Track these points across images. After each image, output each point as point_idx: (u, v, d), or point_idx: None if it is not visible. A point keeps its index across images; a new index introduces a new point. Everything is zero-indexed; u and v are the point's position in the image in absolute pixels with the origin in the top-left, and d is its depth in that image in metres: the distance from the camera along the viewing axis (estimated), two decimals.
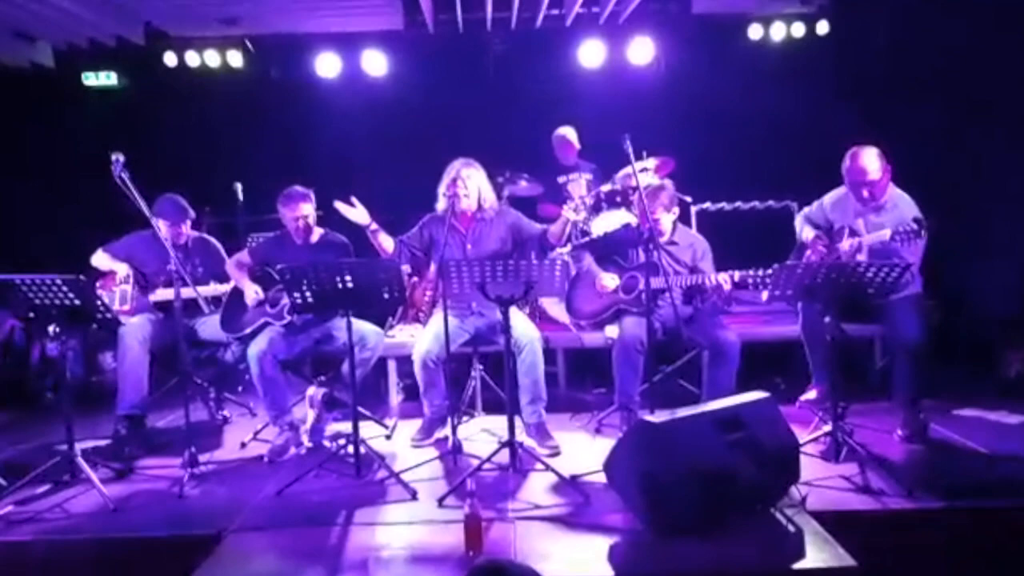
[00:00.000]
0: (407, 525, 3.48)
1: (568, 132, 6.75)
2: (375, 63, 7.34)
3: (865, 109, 6.50)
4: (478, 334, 4.70)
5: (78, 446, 4.05)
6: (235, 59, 7.46)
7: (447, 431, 4.42)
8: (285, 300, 4.43)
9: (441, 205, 4.57)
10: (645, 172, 5.87)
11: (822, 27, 7.26)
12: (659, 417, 3.37)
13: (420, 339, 4.56)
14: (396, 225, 4.88)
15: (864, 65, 6.95)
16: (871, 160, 4.28)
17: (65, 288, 3.82)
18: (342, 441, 4.16)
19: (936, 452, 4.19)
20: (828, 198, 4.65)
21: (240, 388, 5.58)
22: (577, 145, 6.74)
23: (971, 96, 5.92)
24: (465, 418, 4.93)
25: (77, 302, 3.87)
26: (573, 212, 4.32)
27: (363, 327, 4.59)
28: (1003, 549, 3.38)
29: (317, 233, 4.80)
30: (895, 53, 6.72)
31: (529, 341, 4.39)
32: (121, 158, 3.93)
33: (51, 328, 3.97)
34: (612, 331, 4.72)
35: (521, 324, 4.49)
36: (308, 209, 4.68)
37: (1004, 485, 3.71)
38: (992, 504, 3.52)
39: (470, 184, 4.51)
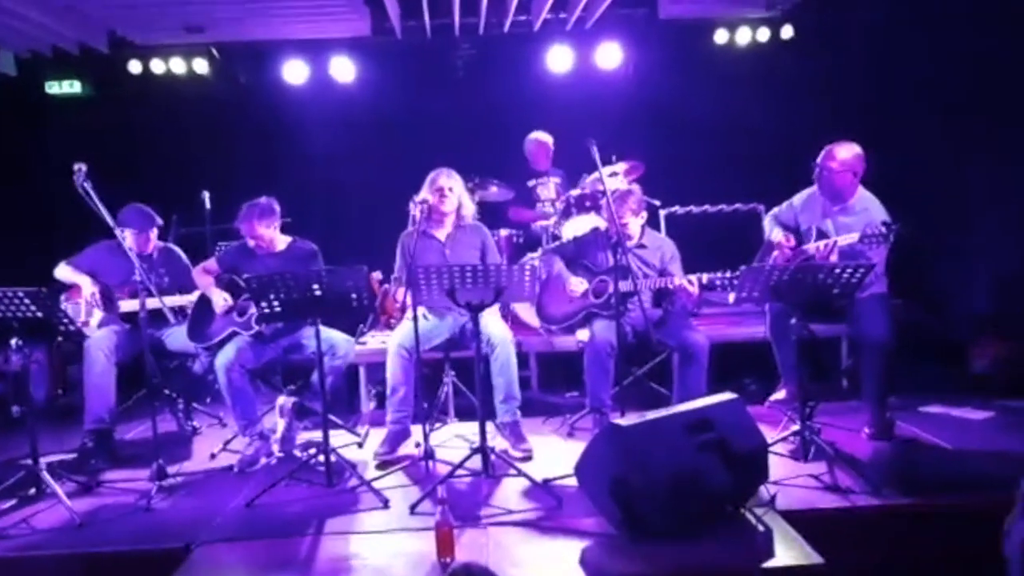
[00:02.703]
0: (379, 534, 3.46)
1: (544, 137, 6.77)
2: (343, 69, 7.31)
3: (830, 113, 6.59)
4: (452, 337, 4.69)
5: (44, 460, 3.99)
6: (201, 67, 7.38)
7: (411, 446, 4.42)
8: (253, 309, 4.40)
9: (419, 212, 4.56)
10: (614, 176, 5.90)
11: (787, 32, 7.34)
12: (628, 420, 3.39)
13: (398, 329, 4.54)
14: (365, 230, 4.88)
15: (828, 69, 7.04)
16: (842, 152, 4.36)
17: (27, 301, 3.76)
18: (313, 450, 4.14)
19: (903, 449, 4.26)
20: (798, 198, 4.70)
21: (209, 398, 5.53)
22: (552, 151, 6.76)
23: (939, 98, 6.02)
24: (438, 424, 4.92)
25: (40, 315, 3.81)
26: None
27: (333, 335, 4.56)
28: (970, 545, 3.43)
29: (284, 241, 4.77)
30: (859, 57, 6.82)
31: (501, 341, 4.40)
32: (83, 168, 3.88)
33: (14, 341, 3.90)
34: (583, 335, 4.74)
35: (494, 325, 4.51)
36: (262, 229, 4.62)
37: (970, 480, 3.76)
38: (959, 500, 3.57)
39: (452, 193, 4.57)
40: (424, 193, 4.59)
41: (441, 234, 4.67)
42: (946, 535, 3.45)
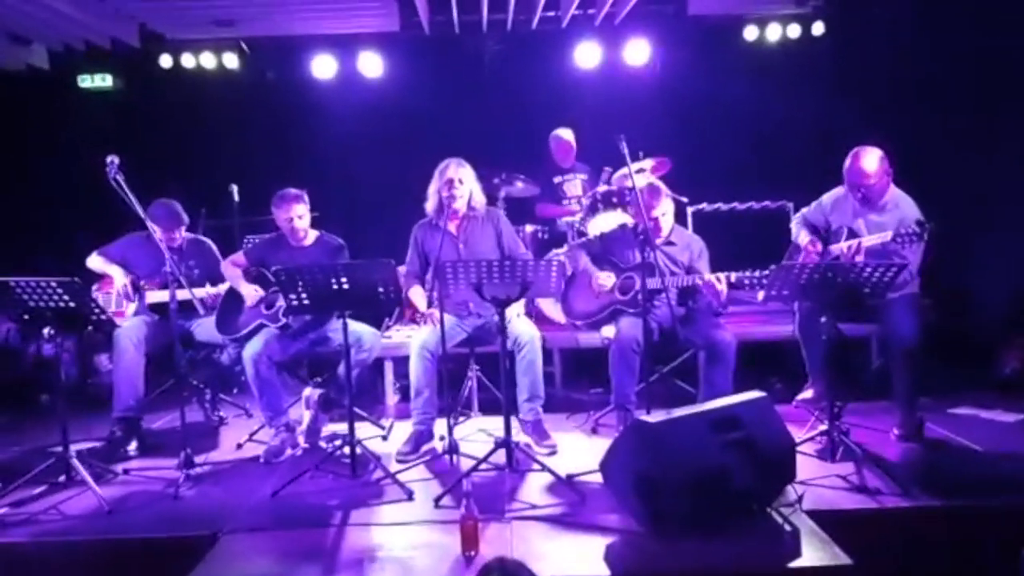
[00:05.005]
0: (403, 526, 3.47)
1: (566, 134, 6.75)
2: (371, 64, 7.35)
3: (861, 110, 6.51)
4: (476, 334, 4.69)
5: (73, 447, 4.03)
6: (231, 61, 7.47)
7: (436, 443, 4.43)
8: (281, 302, 4.43)
9: (431, 204, 4.57)
10: (641, 173, 5.87)
11: (818, 28, 7.29)
12: (655, 417, 3.37)
13: (420, 331, 4.55)
14: (391, 225, 4.90)
15: (860, 66, 6.96)
16: (871, 162, 4.29)
17: (60, 290, 3.80)
18: (338, 442, 4.15)
19: (932, 451, 4.20)
20: (827, 198, 4.65)
21: (236, 389, 5.58)
22: (575, 147, 6.74)
23: (969, 97, 5.94)
24: (462, 418, 4.93)
25: (72, 304, 3.85)
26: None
27: (359, 328, 4.58)
28: (999, 547, 3.38)
29: (313, 235, 4.80)
30: (891, 54, 6.74)
31: (529, 340, 4.39)
32: (116, 160, 3.92)
33: (46, 330, 3.95)
34: (609, 331, 4.71)
35: (521, 323, 4.50)
36: (301, 210, 4.67)
37: (1000, 483, 3.71)
38: (988, 502, 3.52)
39: (464, 184, 4.52)
40: (435, 186, 4.54)
41: (453, 227, 4.63)
42: (976, 537, 3.40)
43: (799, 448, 3.74)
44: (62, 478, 4.02)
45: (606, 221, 5.80)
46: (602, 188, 6.11)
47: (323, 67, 7.36)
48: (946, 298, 5.68)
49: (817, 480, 3.70)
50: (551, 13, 7.21)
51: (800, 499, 3.44)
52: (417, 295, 4.64)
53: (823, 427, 4.02)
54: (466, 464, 4.04)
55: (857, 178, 4.32)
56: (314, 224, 4.85)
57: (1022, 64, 5.40)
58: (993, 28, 5.54)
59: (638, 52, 7.32)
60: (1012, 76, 5.52)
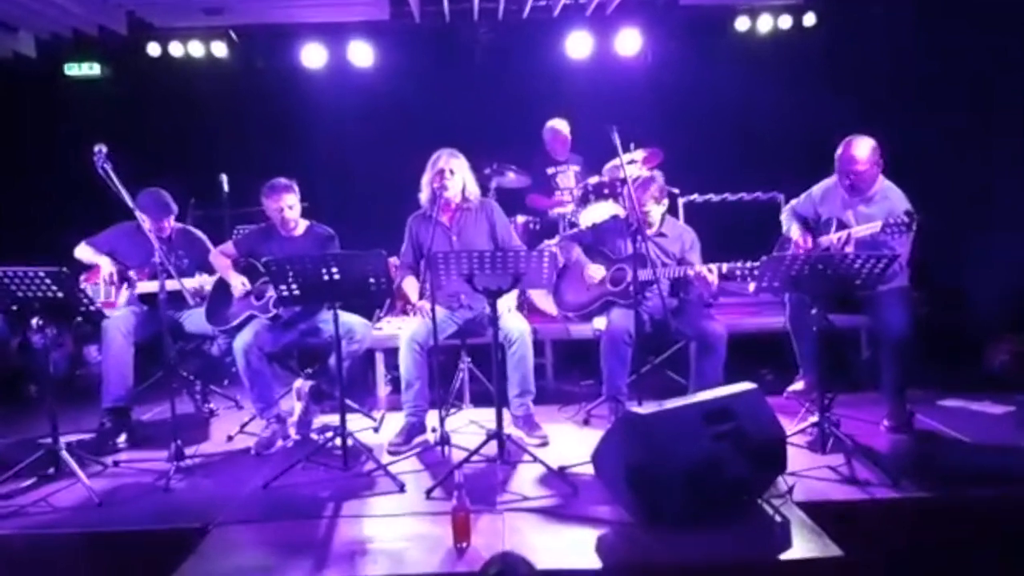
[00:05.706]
0: (395, 517, 3.47)
1: (561, 125, 6.72)
2: (361, 54, 7.30)
3: (852, 102, 6.51)
4: (467, 327, 4.69)
5: (62, 439, 4.01)
6: (219, 50, 7.40)
7: (428, 435, 4.42)
8: (271, 292, 4.41)
9: (425, 195, 4.55)
10: (632, 164, 5.87)
11: (809, 19, 7.29)
12: (646, 409, 3.38)
13: (409, 323, 4.53)
14: (382, 215, 4.88)
15: (851, 58, 6.97)
16: (863, 150, 4.29)
17: (48, 281, 3.77)
18: (329, 434, 4.15)
19: (921, 442, 4.22)
20: (817, 189, 4.65)
21: (226, 381, 5.55)
22: (570, 138, 6.72)
23: (961, 88, 5.94)
24: (453, 410, 4.92)
25: (60, 295, 3.82)
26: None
27: (350, 319, 4.56)
28: (987, 538, 3.40)
29: (303, 225, 4.78)
30: (883, 46, 6.75)
31: (519, 335, 4.39)
32: (104, 149, 3.89)
33: (34, 321, 3.92)
34: (600, 323, 4.71)
35: (511, 318, 4.49)
36: (292, 200, 4.64)
37: (989, 474, 3.74)
38: (977, 493, 3.54)
39: (456, 175, 4.50)
40: (427, 177, 4.53)
41: (446, 218, 4.61)
42: (964, 528, 3.42)
43: (790, 440, 3.75)
44: (51, 470, 4.00)
45: (597, 212, 5.80)
46: (593, 179, 6.09)
47: (313, 56, 7.30)
48: (940, 294, 5.70)
49: (807, 471, 3.73)
50: (542, 2, 7.18)
51: (791, 490, 3.45)
52: (410, 286, 4.63)
53: (813, 419, 4.03)
54: (458, 456, 4.04)
55: (847, 164, 4.33)
56: (305, 214, 4.82)
57: (1016, 61, 5.41)
58: (988, 24, 5.54)
59: (629, 42, 7.30)
60: (1006, 72, 5.53)
